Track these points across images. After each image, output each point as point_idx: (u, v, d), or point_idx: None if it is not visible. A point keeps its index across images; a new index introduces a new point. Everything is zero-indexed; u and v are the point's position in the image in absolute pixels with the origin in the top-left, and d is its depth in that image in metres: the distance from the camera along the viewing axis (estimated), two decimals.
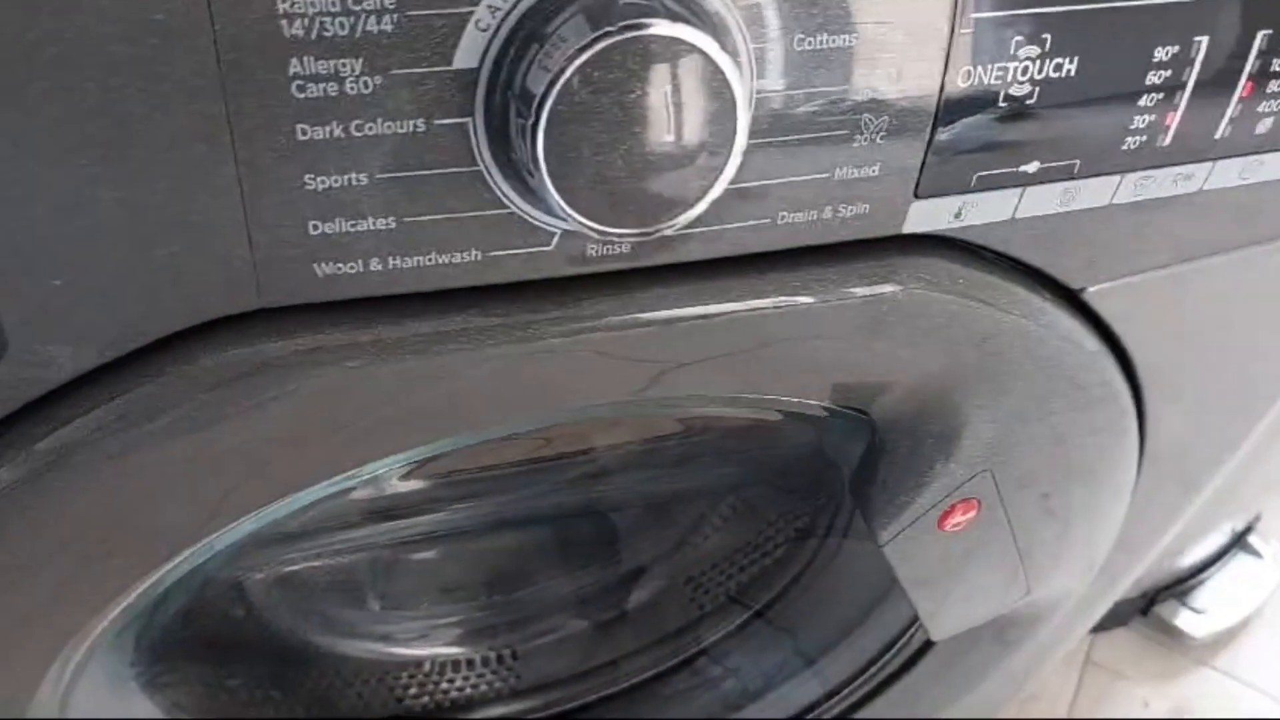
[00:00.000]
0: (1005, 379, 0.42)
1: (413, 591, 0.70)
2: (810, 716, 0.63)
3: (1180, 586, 1.43)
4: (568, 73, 0.27)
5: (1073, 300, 0.43)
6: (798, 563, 0.64)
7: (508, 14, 0.28)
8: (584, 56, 0.27)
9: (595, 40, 0.26)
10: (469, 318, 0.33)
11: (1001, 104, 0.34)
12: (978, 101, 0.33)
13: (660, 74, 0.27)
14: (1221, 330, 0.48)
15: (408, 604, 0.71)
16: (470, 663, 0.75)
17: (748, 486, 0.67)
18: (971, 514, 0.47)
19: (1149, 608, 1.43)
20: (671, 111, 0.28)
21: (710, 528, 0.71)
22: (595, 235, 0.30)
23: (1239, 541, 1.47)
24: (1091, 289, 0.42)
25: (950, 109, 0.33)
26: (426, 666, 0.75)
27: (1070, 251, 0.40)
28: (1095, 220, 0.39)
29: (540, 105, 0.27)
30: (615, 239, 0.31)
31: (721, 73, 0.28)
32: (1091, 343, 0.43)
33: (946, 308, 0.38)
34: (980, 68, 0.33)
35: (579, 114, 0.27)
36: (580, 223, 0.29)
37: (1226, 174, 0.39)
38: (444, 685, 0.75)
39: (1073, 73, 0.34)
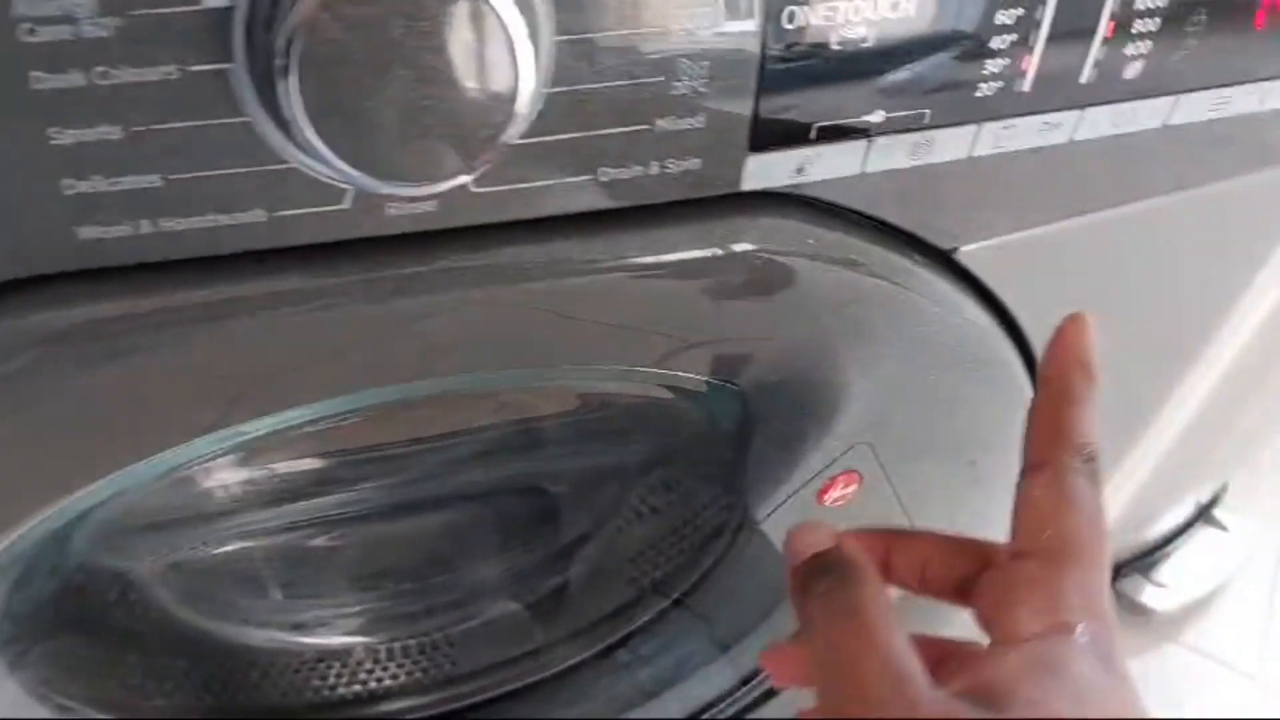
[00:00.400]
0: (874, 347, 0.40)
1: (319, 579, 0.68)
2: (725, 703, 0.61)
3: (1144, 561, 1.42)
4: (315, 10, 0.24)
5: (949, 263, 0.40)
6: (715, 549, 0.62)
7: None
8: None
9: None
10: (263, 282, 0.31)
11: (835, 47, 0.31)
12: (807, 45, 0.31)
13: (423, 8, 0.25)
14: (1115, 290, 0.46)
15: (317, 592, 0.69)
16: (390, 652, 0.73)
17: (661, 468, 0.65)
18: (853, 488, 0.45)
19: (1112, 583, 1.41)
20: (440, 51, 0.26)
21: (632, 512, 0.69)
22: (377, 192, 0.28)
23: (1204, 514, 1.46)
24: (964, 249, 0.40)
25: (776, 53, 0.31)
26: (347, 656, 0.73)
27: (936, 209, 0.38)
28: (958, 175, 0.37)
29: (289, 45, 0.25)
30: (399, 197, 0.29)
31: (495, 8, 0.25)
32: (970, 308, 0.41)
33: (796, 271, 0.36)
34: (806, 7, 0.30)
35: (334, 55, 0.25)
36: (353, 178, 0.27)
37: (1097, 124, 0.37)
38: (362, 675, 0.73)
39: (911, 12, 0.31)
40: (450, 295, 0.32)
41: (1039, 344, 0.45)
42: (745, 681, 0.60)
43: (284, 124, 0.27)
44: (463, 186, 0.30)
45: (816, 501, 0.45)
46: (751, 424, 0.44)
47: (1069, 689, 0.27)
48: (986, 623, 0.33)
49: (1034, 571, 0.30)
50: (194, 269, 0.30)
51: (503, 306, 0.33)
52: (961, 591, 0.35)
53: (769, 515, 0.45)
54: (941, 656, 0.35)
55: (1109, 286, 0.45)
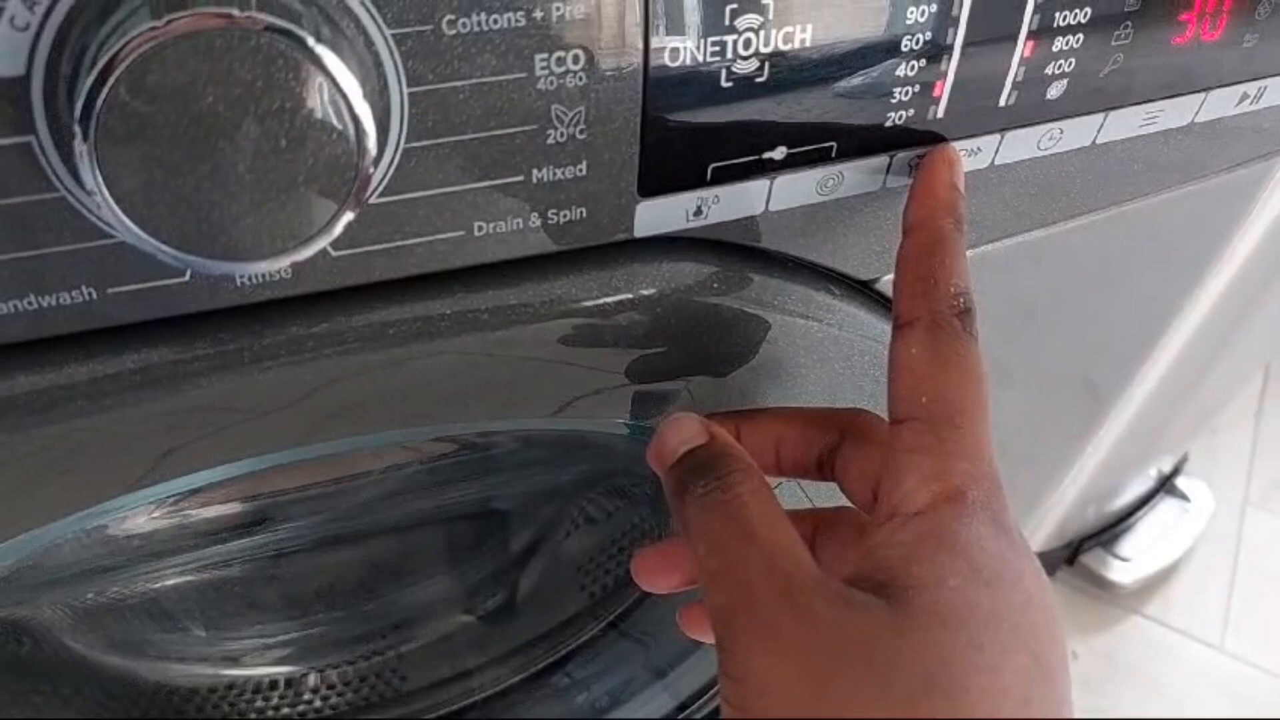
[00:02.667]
0: (794, 384, 0.38)
1: (249, 612, 0.65)
2: None
3: (1106, 534, 1.42)
4: (110, 79, 0.21)
5: (870, 292, 0.38)
6: None
7: (50, 9, 0.22)
8: (128, 60, 0.21)
9: (137, 39, 0.21)
10: (100, 363, 0.28)
11: (725, 84, 0.29)
12: (695, 83, 0.28)
13: (235, 75, 0.22)
14: (1051, 304, 0.44)
15: (247, 624, 0.66)
16: (328, 678, 0.71)
17: (599, 486, 0.62)
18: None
19: (1074, 557, 1.41)
20: (264, 119, 0.23)
21: (573, 524, 0.67)
22: (213, 274, 0.25)
23: (1165, 485, 1.46)
24: (885, 279, 0.37)
25: (660, 93, 0.28)
26: (286, 683, 0.71)
27: (851, 242, 0.35)
28: (873, 206, 0.34)
29: (85, 120, 0.22)
30: (235, 272, 0.26)
31: (325, 67, 0.23)
32: None
33: (702, 314, 0.33)
34: (690, 43, 0.28)
35: (137, 129, 0.22)
36: (183, 260, 0.24)
37: (1021, 146, 0.35)
38: (306, 697, 0.71)
39: (807, 42, 0.29)
40: (310, 365, 0.29)
41: None
42: (683, 707, 0.58)
43: (96, 203, 0.24)
44: (321, 250, 0.27)
45: None
46: None
47: (963, 562, 0.25)
48: (864, 497, 0.31)
49: (916, 438, 0.28)
50: (25, 353, 0.28)
51: (377, 371, 0.31)
52: (821, 466, 0.33)
53: None
54: (819, 526, 0.34)
55: (1044, 301, 0.43)
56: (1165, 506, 1.44)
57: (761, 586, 0.26)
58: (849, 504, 0.33)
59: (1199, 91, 0.36)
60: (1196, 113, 0.37)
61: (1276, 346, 1.44)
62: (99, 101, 0.22)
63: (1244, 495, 1.52)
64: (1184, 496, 1.45)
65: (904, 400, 0.29)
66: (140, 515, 0.49)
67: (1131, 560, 1.39)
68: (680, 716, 0.58)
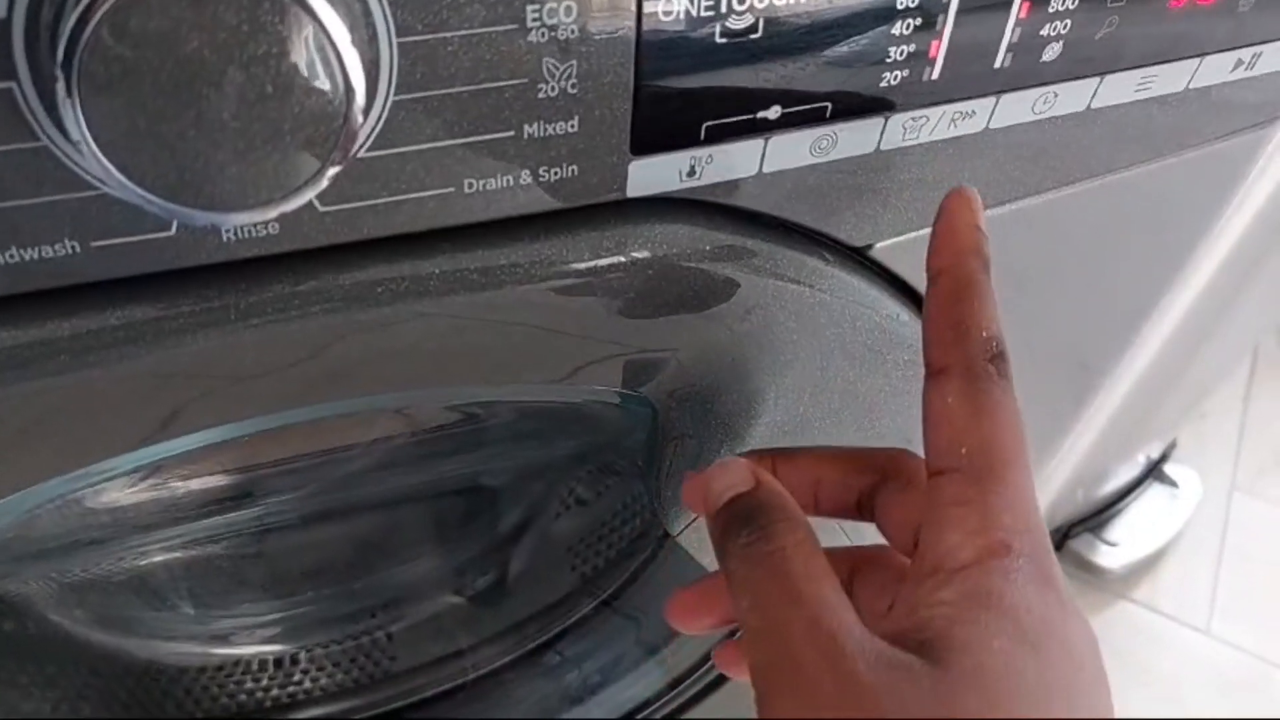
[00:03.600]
0: (785, 351, 0.37)
1: (236, 590, 0.65)
2: (655, 706, 0.59)
3: (1095, 519, 1.42)
4: (92, 22, 0.21)
5: (864, 259, 0.38)
6: (644, 549, 0.60)
7: None
8: (111, 2, 0.21)
9: None
10: (86, 318, 0.27)
11: (719, 39, 0.28)
12: (688, 38, 0.28)
13: (220, 19, 0.22)
14: (1046, 274, 0.44)
15: (234, 603, 0.66)
16: (318, 656, 0.71)
17: (588, 463, 0.62)
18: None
19: (1063, 543, 1.41)
20: (249, 65, 0.22)
21: (562, 504, 0.66)
22: (198, 224, 0.24)
23: (1154, 470, 1.46)
24: (879, 245, 0.37)
25: (654, 49, 0.28)
26: (274, 662, 0.70)
27: (844, 207, 0.35)
28: (866, 170, 0.34)
29: (69, 64, 0.21)
30: (221, 223, 0.25)
31: (313, 13, 0.22)
32: (888, 304, 0.39)
33: (692, 278, 0.33)
34: None
35: (122, 74, 0.22)
36: (169, 209, 0.24)
37: (1015, 110, 0.34)
38: (296, 677, 0.71)
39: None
40: (298, 324, 0.29)
41: None
42: (675, 684, 0.58)
43: (79, 151, 0.24)
44: (308, 205, 0.27)
45: None
46: (664, 439, 0.41)
47: (1009, 623, 0.25)
48: (905, 542, 0.30)
49: (958, 491, 0.27)
50: (5, 308, 0.27)
51: (365, 332, 0.30)
52: (860, 508, 0.33)
53: (684, 530, 0.43)
54: (856, 567, 0.33)
55: (1036, 272, 0.43)
56: (1154, 492, 1.45)
57: (803, 648, 0.25)
58: (885, 543, 0.32)
59: (1194, 57, 0.36)
60: (1190, 79, 0.37)
61: (1264, 329, 1.44)
62: (80, 46, 0.21)
63: (1231, 480, 1.53)
64: (1172, 482, 1.46)
65: (943, 452, 0.28)
66: (125, 486, 0.48)
67: (1120, 545, 1.39)
68: (672, 693, 0.58)
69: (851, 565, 0.33)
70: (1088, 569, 1.40)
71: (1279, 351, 1.63)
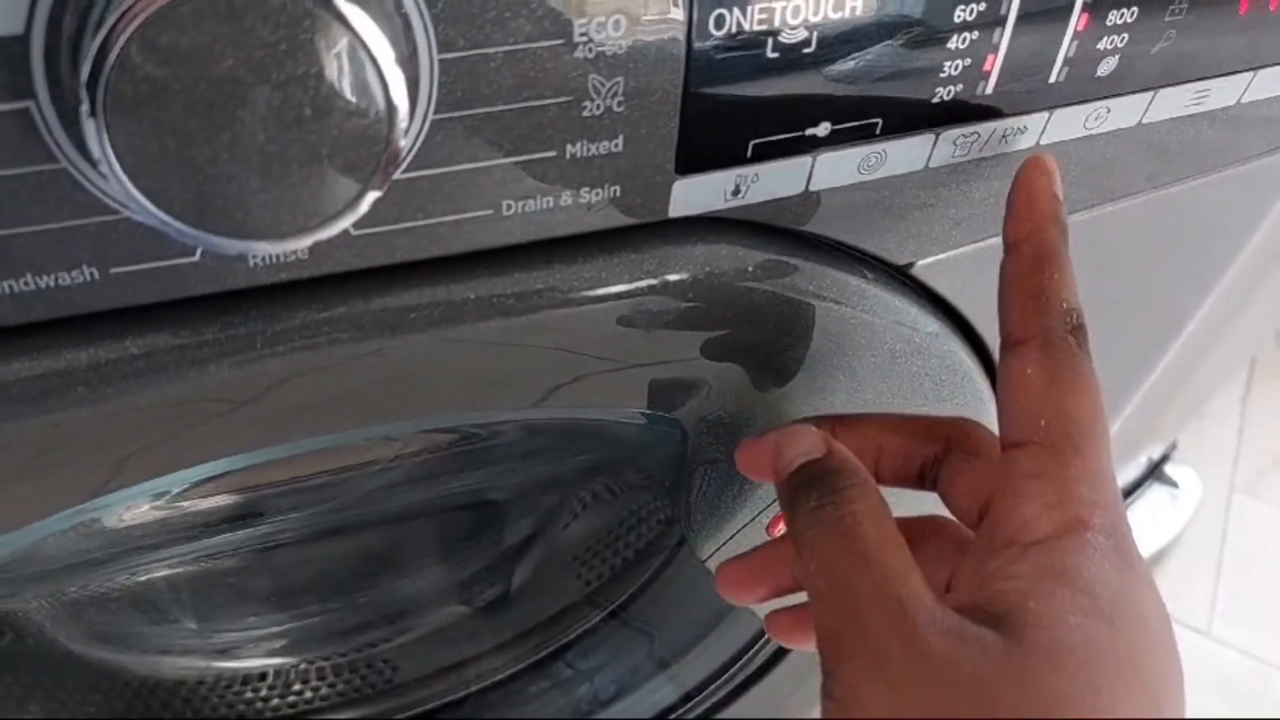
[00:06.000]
0: (823, 373, 0.36)
1: (239, 605, 0.63)
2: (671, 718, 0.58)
3: None
4: (120, 39, 0.20)
5: (904, 277, 0.37)
6: (654, 562, 0.58)
7: None
8: (141, 17, 0.19)
9: None
10: (99, 348, 0.26)
11: (771, 54, 0.27)
12: (739, 53, 0.27)
13: (257, 36, 0.20)
14: (1088, 290, 0.42)
15: (237, 616, 0.64)
16: (322, 669, 0.69)
17: (603, 476, 0.61)
18: None
19: None
20: (285, 85, 0.21)
21: (571, 515, 0.65)
22: (227, 253, 0.23)
23: (1154, 471, 1.45)
24: (921, 264, 0.36)
25: (704, 64, 0.26)
26: (277, 675, 0.69)
27: (889, 225, 0.34)
28: (914, 187, 0.33)
29: (93, 85, 0.20)
30: (253, 251, 0.24)
31: (354, 29, 0.21)
32: (930, 324, 0.37)
33: (733, 299, 0.32)
34: (737, 10, 0.26)
35: (149, 95, 0.20)
36: (196, 238, 0.22)
37: (1069, 125, 0.33)
38: (296, 688, 0.69)
39: (858, 10, 0.27)
40: (322, 352, 0.27)
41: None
42: (687, 699, 0.57)
43: (102, 174, 0.22)
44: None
45: (766, 534, 0.41)
46: (694, 463, 0.40)
47: (1085, 598, 0.24)
48: (971, 514, 0.30)
49: (1035, 463, 0.26)
50: (21, 337, 0.26)
51: (394, 358, 0.29)
52: (922, 478, 0.32)
53: (714, 553, 0.42)
54: (914, 538, 0.31)
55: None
56: (1154, 493, 1.44)
57: (872, 613, 0.24)
58: (946, 514, 0.32)
59: (1247, 70, 0.35)
60: (1244, 92, 0.35)
61: (1265, 338, 1.44)
62: (108, 64, 0.20)
63: (1231, 481, 1.52)
64: (1172, 483, 1.45)
65: (1020, 422, 0.27)
66: (135, 508, 0.47)
67: None
68: (685, 707, 0.57)
69: (910, 535, 0.32)
70: None
71: (1278, 353, 1.62)
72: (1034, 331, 0.28)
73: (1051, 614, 0.24)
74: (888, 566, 0.25)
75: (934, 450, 0.32)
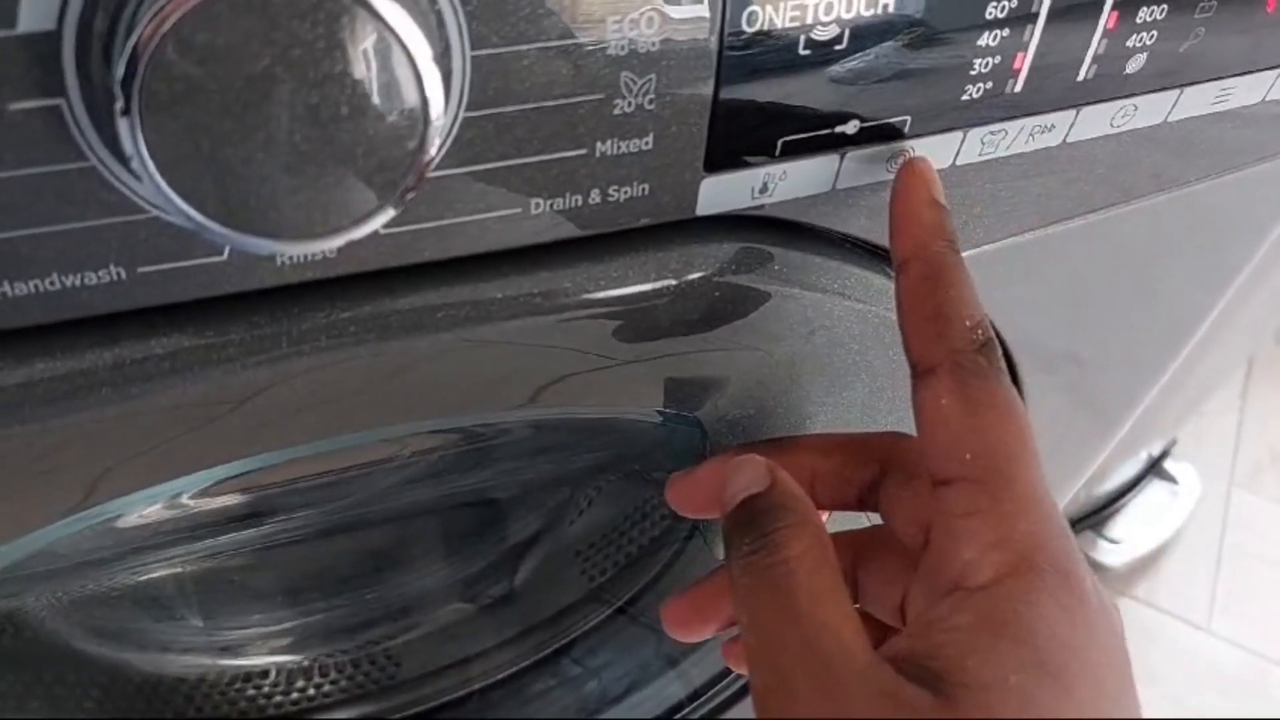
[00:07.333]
0: (845, 372, 0.36)
1: (243, 602, 0.63)
2: (677, 718, 0.58)
3: (1096, 517, 1.42)
4: (156, 37, 0.19)
5: None
6: (662, 556, 0.58)
7: None
8: (177, 15, 0.19)
9: None
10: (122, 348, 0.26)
11: (803, 51, 0.27)
12: (771, 50, 0.26)
13: (295, 34, 0.20)
14: (1102, 292, 0.42)
15: (241, 614, 0.64)
16: (326, 666, 0.69)
17: (613, 472, 0.60)
18: (824, 516, 0.41)
19: None
20: (322, 84, 0.20)
21: (577, 510, 0.65)
22: (259, 253, 0.23)
23: (1154, 467, 1.46)
24: None
25: (735, 62, 0.26)
26: (281, 672, 0.69)
27: None
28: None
29: (128, 82, 0.20)
30: (285, 251, 0.24)
31: (388, 24, 0.20)
32: None
33: (759, 299, 0.31)
34: (770, 7, 0.25)
35: (186, 93, 0.20)
36: (227, 237, 0.22)
37: (1095, 123, 0.33)
38: (299, 685, 0.69)
39: (890, 7, 0.27)
40: (350, 350, 0.27)
41: (1018, 351, 0.42)
42: (695, 696, 0.57)
43: (134, 173, 0.22)
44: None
45: None
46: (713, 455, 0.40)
47: (1028, 652, 0.23)
48: (915, 539, 0.28)
49: (967, 501, 0.25)
50: (46, 336, 0.25)
51: (420, 358, 0.29)
52: (861, 501, 0.31)
53: None
54: (859, 554, 0.31)
55: (1095, 289, 0.42)
56: (1154, 489, 1.44)
57: (798, 675, 0.23)
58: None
59: (1273, 68, 0.34)
60: (1268, 91, 0.35)
61: (1264, 336, 1.44)
62: (143, 62, 0.19)
63: (1229, 478, 1.53)
64: (1172, 479, 1.45)
65: (944, 459, 0.26)
66: (148, 508, 0.46)
67: (1121, 542, 1.39)
68: (693, 705, 0.57)
69: (855, 551, 0.31)
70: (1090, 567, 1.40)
71: (1277, 349, 1.63)
72: (940, 357, 0.26)
73: (990, 673, 0.22)
74: (819, 622, 0.24)
75: (869, 473, 0.30)
